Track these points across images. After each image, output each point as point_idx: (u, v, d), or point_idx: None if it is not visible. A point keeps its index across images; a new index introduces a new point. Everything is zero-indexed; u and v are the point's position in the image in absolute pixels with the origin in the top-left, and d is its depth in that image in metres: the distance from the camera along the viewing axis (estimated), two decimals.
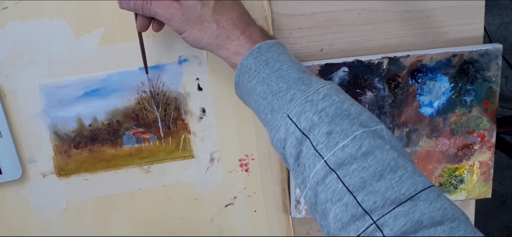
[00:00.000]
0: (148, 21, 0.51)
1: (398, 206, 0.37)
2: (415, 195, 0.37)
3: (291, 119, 0.42)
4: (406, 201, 0.37)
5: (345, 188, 0.39)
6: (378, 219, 0.37)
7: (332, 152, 0.40)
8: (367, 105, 0.61)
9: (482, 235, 0.37)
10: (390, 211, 0.37)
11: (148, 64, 0.58)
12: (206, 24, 0.47)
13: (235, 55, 0.47)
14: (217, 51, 0.49)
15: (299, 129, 0.42)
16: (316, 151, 0.41)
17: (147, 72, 0.57)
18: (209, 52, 0.59)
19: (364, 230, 0.37)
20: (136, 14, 0.51)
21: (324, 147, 0.40)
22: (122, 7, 0.49)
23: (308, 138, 0.41)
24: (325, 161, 0.40)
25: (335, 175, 0.39)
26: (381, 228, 0.37)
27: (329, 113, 0.41)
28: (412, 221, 0.36)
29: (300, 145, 0.42)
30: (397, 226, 0.36)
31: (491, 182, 0.66)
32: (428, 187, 0.38)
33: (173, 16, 0.47)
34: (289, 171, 0.64)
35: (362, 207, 0.38)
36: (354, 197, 0.38)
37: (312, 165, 0.41)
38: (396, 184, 0.38)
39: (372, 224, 0.37)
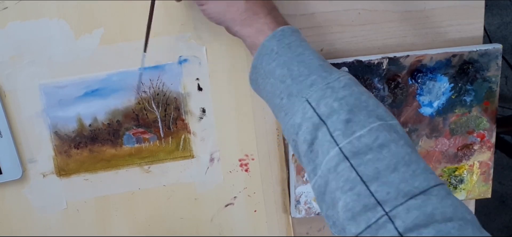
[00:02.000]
0: None
1: (411, 198, 0.37)
2: (428, 189, 0.37)
3: (310, 104, 0.42)
4: (419, 194, 0.37)
5: (358, 177, 0.38)
6: (391, 211, 0.37)
7: (348, 140, 0.40)
8: None
9: (490, 235, 0.37)
10: (403, 203, 0.37)
11: (148, 65, 0.58)
12: None
13: (258, 33, 0.46)
14: (239, 28, 0.47)
15: (317, 113, 0.41)
16: (332, 137, 0.40)
17: (145, 50, 0.53)
18: (208, 47, 0.59)
19: (375, 221, 0.37)
20: None
21: (341, 134, 0.40)
22: None
23: (326, 124, 0.41)
24: (340, 148, 0.40)
25: (348, 163, 0.39)
26: (393, 220, 0.36)
27: (349, 102, 0.41)
28: (424, 214, 0.36)
29: (316, 131, 0.41)
30: (409, 218, 0.36)
31: (491, 182, 0.66)
32: (439, 184, 0.38)
33: None
34: (289, 170, 0.64)
35: (374, 198, 0.37)
36: (367, 187, 0.38)
37: (326, 152, 0.40)
38: (409, 177, 0.38)
39: (384, 215, 0.37)
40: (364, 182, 0.38)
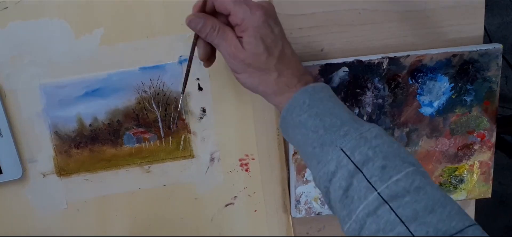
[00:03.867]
0: (212, 51, 0.51)
1: None
2: (464, 229, 0.39)
3: (344, 152, 0.44)
4: (456, 233, 0.39)
5: (397, 218, 0.40)
6: None
7: (385, 184, 0.42)
8: (367, 105, 0.61)
9: None
10: None
11: (148, 64, 0.58)
12: (267, 72, 0.48)
13: (288, 100, 0.49)
14: (272, 97, 0.50)
15: (352, 162, 0.43)
16: (370, 183, 0.42)
17: (183, 92, 0.54)
18: None
19: None
20: (195, 41, 0.50)
21: (378, 179, 0.42)
22: (189, 25, 0.49)
23: (361, 171, 0.43)
24: (378, 193, 0.42)
25: (388, 206, 0.41)
26: None
27: (382, 150, 0.43)
28: None
29: (351, 178, 0.43)
30: None
31: (491, 182, 0.66)
32: (474, 224, 0.40)
33: (236, 54, 0.47)
34: (289, 170, 0.64)
35: None
36: (407, 227, 0.40)
37: (363, 197, 0.42)
38: (446, 218, 0.40)
39: None
40: (403, 223, 0.40)
